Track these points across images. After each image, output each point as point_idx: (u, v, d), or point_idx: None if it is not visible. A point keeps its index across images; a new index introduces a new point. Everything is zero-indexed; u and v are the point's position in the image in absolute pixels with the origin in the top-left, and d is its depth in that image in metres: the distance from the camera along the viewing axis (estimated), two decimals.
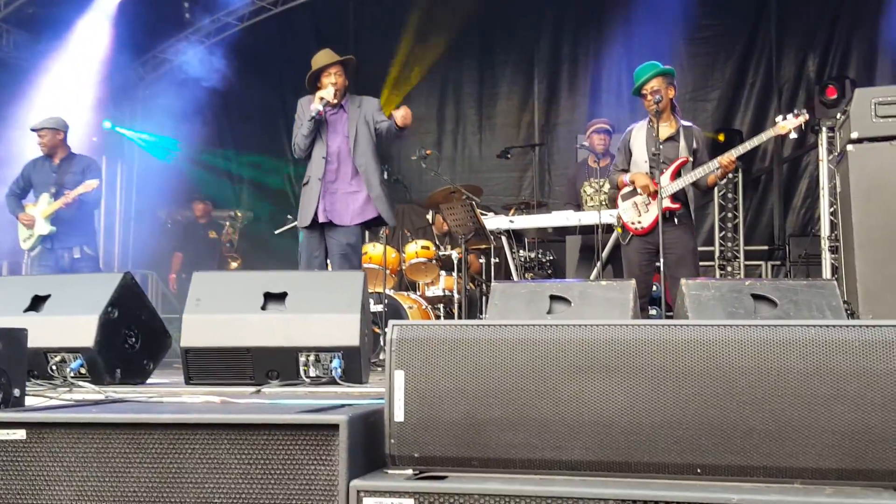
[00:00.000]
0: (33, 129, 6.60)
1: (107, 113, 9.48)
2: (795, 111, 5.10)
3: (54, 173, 6.57)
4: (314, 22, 10.40)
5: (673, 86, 5.32)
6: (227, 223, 9.70)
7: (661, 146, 5.12)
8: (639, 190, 5.27)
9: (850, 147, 4.94)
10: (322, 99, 5.20)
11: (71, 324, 3.52)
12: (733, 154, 5.06)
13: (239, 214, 10.02)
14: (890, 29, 8.85)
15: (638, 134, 5.39)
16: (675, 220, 5.21)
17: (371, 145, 5.40)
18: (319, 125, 5.33)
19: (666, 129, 5.28)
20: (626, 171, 5.44)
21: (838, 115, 5.69)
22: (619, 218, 5.47)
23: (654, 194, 5.12)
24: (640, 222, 5.30)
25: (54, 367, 3.50)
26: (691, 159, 5.26)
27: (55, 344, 3.49)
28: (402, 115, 5.24)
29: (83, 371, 3.49)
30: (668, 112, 5.30)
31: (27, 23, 8.50)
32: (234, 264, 9.46)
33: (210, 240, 9.56)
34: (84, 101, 8.95)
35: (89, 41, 8.77)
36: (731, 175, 9.11)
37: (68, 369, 3.47)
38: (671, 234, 5.16)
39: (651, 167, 5.19)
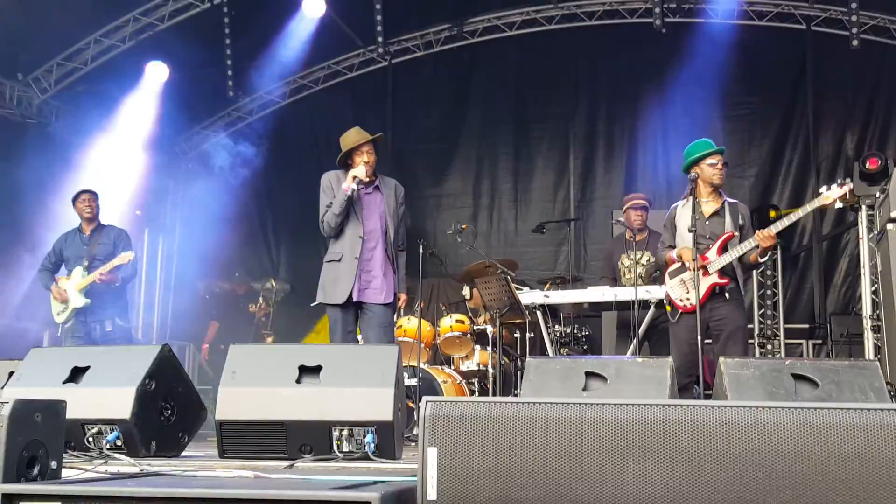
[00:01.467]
0: (80, 193, 6.75)
1: (150, 184, 9.69)
2: (840, 181, 5.04)
3: (86, 245, 6.65)
4: (352, 97, 10.65)
5: (724, 164, 5.37)
6: (261, 296, 9.75)
7: (707, 222, 5.20)
8: (686, 265, 5.23)
9: (890, 226, 4.89)
10: (355, 178, 5.26)
11: (109, 395, 3.56)
12: (772, 230, 5.04)
13: (275, 285, 10.06)
14: None
15: (683, 211, 5.38)
16: (726, 294, 5.18)
17: (396, 233, 5.54)
18: (351, 202, 5.38)
19: (710, 206, 5.32)
20: (673, 247, 5.45)
21: (877, 194, 5.64)
22: (667, 296, 5.46)
23: (703, 270, 5.11)
24: (688, 299, 5.23)
25: (91, 439, 3.53)
26: (737, 234, 5.25)
27: (92, 415, 3.52)
28: (403, 302, 5.61)
29: (119, 443, 3.50)
30: (715, 189, 5.34)
31: (76, 100, 8.81)
32: (268, 339, 9.48)
33: (247, 313, 9.63)
34: (130, 175, 9.20)
35: (136, 117, 9.04)
36: (769, 253, 9.05)
37: (104, 441, 3.49)
38: (722, 309, 5.15)
39: (697, 244, 5.12)
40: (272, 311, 9.81)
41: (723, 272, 5.17)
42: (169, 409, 3.76)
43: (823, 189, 5.07)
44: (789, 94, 9.58)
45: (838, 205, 5.13)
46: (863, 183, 7.99)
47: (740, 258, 5.18)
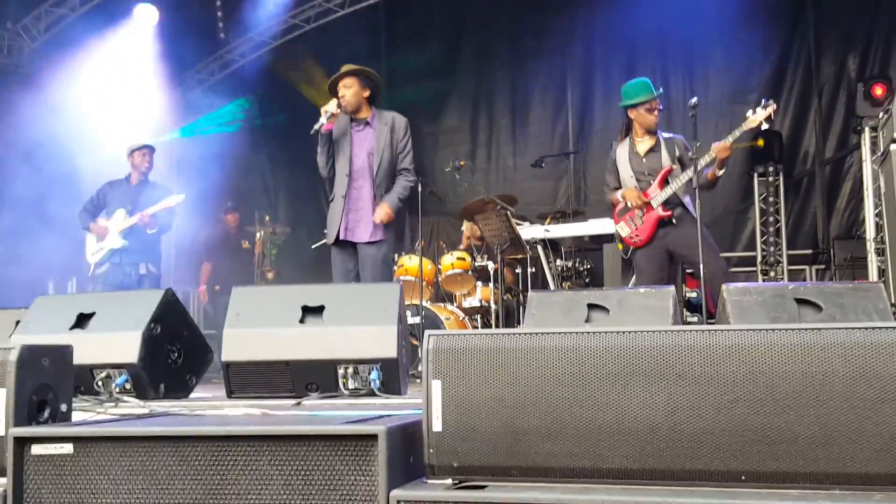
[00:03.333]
0: (140, 147, 6.77)
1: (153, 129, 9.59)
2: (764, 101, 5.26)
3: (132, 193, 6.74)
4: (345, 35, 10.49)
5: (660, 105, 5.58)
6: (259, 234, 9.58)
7: (644, 160, 5.48)
8: (630, 205, 5.49)
9: (893, 147, 4.85)
10: (325, 112, 5.17)
11: (115, 340, 3.58)
12: (727, 140, 5.19)
13: (277, 231, 10.01)
14: None
15: (621, 152, 5.63)
16: (673, 221, 5.42)
17: (391, 169, 5.39)
18: (342, 140, 5.32)
19: (646, 144, 5.55)
20: (618, 188, 5.67)
21: (881, 115, 5.59)
22: (617, 234, 5.67)
23: (647, 206, 5.39)
24: (637, 235, 5.50)
25: (100, 383, 3.56)
26: (676, 167, 5.44)
27: (100, 360, 3.55)
28: (380, 216, 5.25)
29: (128, 386, 3.55)
30: (652, 128, 5.56)
31: (66, 47, 8.67)
32: (269, 275, 9.40)
33: (244, 251, 9.46)
34: (135, 120, 9.10)
35: (128, 60, 8.91)
36: (771, 178, 9.02)
37: (114, 385, 3.53)
38: (672, 233, 5.39)
39: (638, 181, 5.48)
40: (272, 253, 9.74)
41: (666, 204, 5.41)
42: (175, 353, 3.79)
43: (749, 112, 5.28)
44: (790, 19, 9.42)
45: (765, 126, 5.29)
46: (866, 103, 7.94)
47: (693, 182, 5.28)
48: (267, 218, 9.69)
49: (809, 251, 9.22)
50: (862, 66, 9.14)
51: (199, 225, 9.67)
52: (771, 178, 9.10)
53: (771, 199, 9.05)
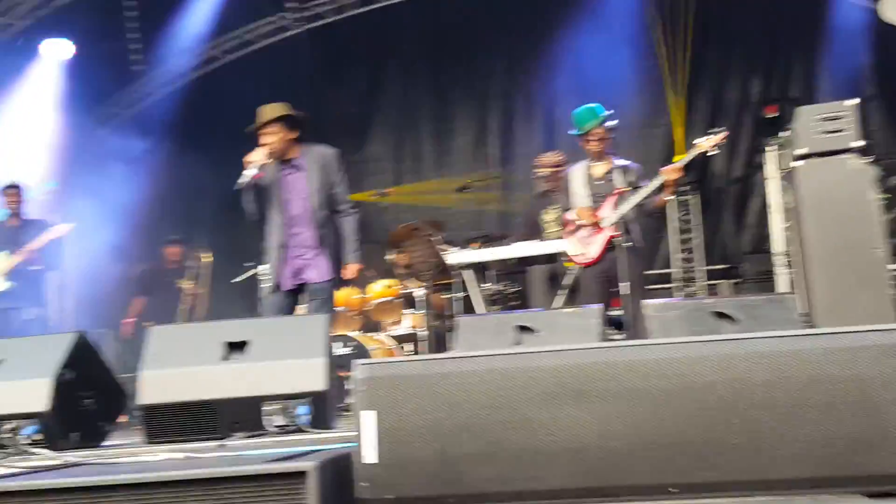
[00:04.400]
0: (6, 187, 6.55)
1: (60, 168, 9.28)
2: (714, 129, 5.51)
3: (12, 234, 6.55)
4: (266, 67, 10.39)
5: (611, 129, 5.68)
6: (190, 276, 9.10)
7: (597, 182, 5.61)
8: (581, 223, 5.62)
9: (798, 163, 5.08)
10: (251, 164, 4.87)
11: (24, 388, 3.40)
12: (678, 164, 5.30)
13: (202, 258, 9.46)
14: (827, 49, 9.08)
15: (576, 174, 5.77)
16: (622, 244, 5.47)
17: (329, 206, 5.18)
18: (272, 186, 5.06)
19: (600, 168, 5.69)
20: (569, 209, 5.79)
21: (784, 134, 5.85)
22: (566, 254, 5.81)
23: (597, 227, 5.50)
24: (584, 255, 5.63)
25: (7, 435, 3.37)
26: (628, 189, 5.55)
27: (8, 410, 3.37)
28: (352, 274, 5.19)
29: (38, 437, 3.36)
30: (604, 153, 5.69)
31: None
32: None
33: (177, 290, 8.81)
34: (39, 157, 8.80)
35: (40, 97, 8.65)
36: (688, 197, 9.26)
37: (21, 436, 3.34)
38: (620, 260, 5.45)
39: (592, 202, 5.61)
40: (204, 293, 9.25)
41: (616, 226, 5.51)
42: (89, 398, 3.62)
43: (699, 140, 5.50)
44: (699, 43, 9.71)
45: (714, 151, 5.49)
46: (766, 126, 8.33)
47: (644, 206, 5.54)
48: (202, 260, 9.14)
49: (723, 266, 9.48)
50: (765, 90, 9.49)
51: (131, 260, 9.34)
52: (688, 197, 9.34)
53: (688, 216, 9.28)
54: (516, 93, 10.24)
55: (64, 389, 3.45)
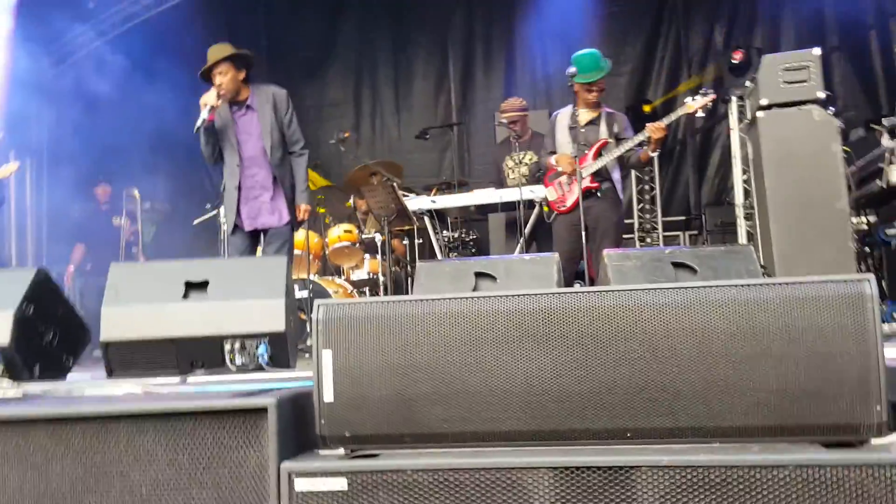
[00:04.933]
0: None
1: (15, 103, 9.02)
2: (703, 90, 5.44)
3: None
4: (222, 5, 10.14)
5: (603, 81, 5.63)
6: (124, 213, 8.83)
7: (582, 129, 5.55)
8: (560, 170, 5.59)
9: (759, 114, 5.06)
10: (205, 105, 4.94)
11: None
12: (662, 122, 5.31)
13: (137, 196, 9.32)
14: None
15: (562, 120, 5.72)
16: (598, 195, 5.53)
17: (283, 146, 5.26)
18: (225, 128, 5.12)
19: (588, 115, 5.64)
20: (554, 153, 5.75)
21: (747, 83, 5.85)
22: (545, 198, 5.81)
23: (574, 174, 5.41)
24: (562, 202, 5.63)
25: None
26: (611, 141, 5.55)
27: None
28: (303, 215, 5.32)
29: (0, 370, 3.35)
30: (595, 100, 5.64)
31: None
32: (140, 259, 8.71)
33: (114, 228, 8.78)
34: None
35: None
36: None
37: None
38: (596, 208, 5.51)
39: (572, 151, 5.52)
40: (147, 226, 9.17)
41: (595, 176, 5.52)
42: (50, 333, 3.61)
43: (688, 99, 5.44)
44: None
45: (700, 114, 5.45)
46: (731, 75, 8.32)
47: (628, 159, 5.55)
48: (136, 192, 9.06)
49: (683, 218, 9.60)
50: (727, 38, 9.52)
51: (70, 200, 9.17)
52: (660, 147, 9.39)
53: (646, 168, 9.35)
54: (476, 38, 10.15)
55: (25, 323, 3.44)
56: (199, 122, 4.96)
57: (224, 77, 5.05)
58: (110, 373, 3.40)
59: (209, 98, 4.95)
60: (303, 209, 5.33)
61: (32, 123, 9.58)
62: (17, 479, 2.08)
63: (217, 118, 5.13)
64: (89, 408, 2.08)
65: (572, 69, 5.40)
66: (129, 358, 3.38)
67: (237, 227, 5.19)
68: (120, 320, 3.40)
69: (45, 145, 9.76)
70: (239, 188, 5.14)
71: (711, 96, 5.39)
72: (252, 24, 10.25)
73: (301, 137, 5.41)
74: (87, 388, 2.97)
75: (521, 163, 6.89)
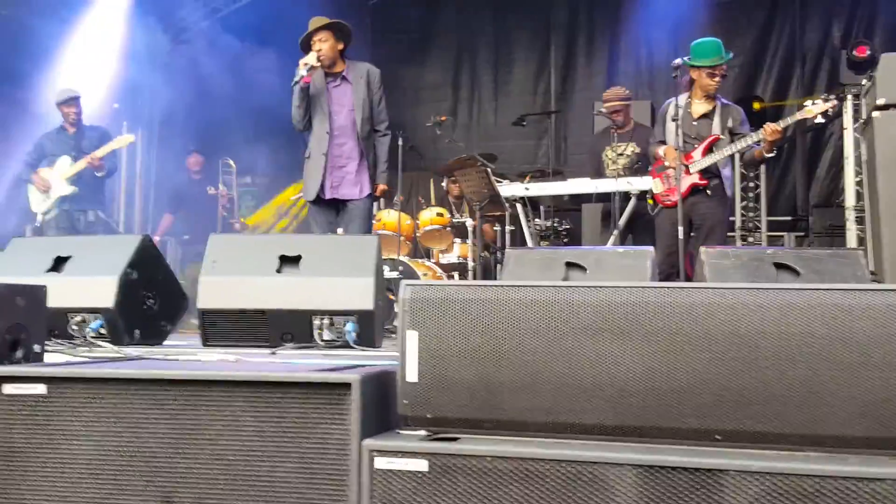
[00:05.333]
0: (67, 99, 6.68)
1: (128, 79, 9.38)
2: (825, 96, 5.17)
3: (73, 141, 6.69)
4: None
5: (721, 69, 5.42)
6: (221, 179, 8.99)
7: (694, 122, 5.35)
8: (667, 164, 5.42)
9: (876, 114, 4.84)
10: (305, 65, 5.10)
11: (91, 284, 3.53)
12: (780, 124, 5.12)
13: (233, 165, 9.46)
14: None
15: (673, 110, 5.47)
16: (707, 192, 5.35)
17: (370, 122, 5.39)
18: (319, 96, 5.25)
19: (702, 107, 5.43)
20: (664, 142, 5.57)
21: (864, 82, 5.58)
22: (650, 190, 5.65)
23: (686, 169, 5.26)
24: (669, 195, 5.43)
25: (74, 327, 3.51)
26: (723, 137, 5.34)
27: (76, 304, 3.50)
28: (380, 192, 5.45)
29: (102, 331, 3.51)
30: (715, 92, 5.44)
31: None
32: (236, 226, 8.98)
33: (209, 197, 8.89)
34: (108, 66, 8.90)
35: (112, 7, 8.72)
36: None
37: (88, 329, 3.49)
38: (702, 205, 5.35)
39: (684, 143, 5.30)
40: (236, 198, 9.34)
41: (705, 172, 5.31)
42: (151, 298, 3.75)
43: (808, 103, 5.18)
44: None
45: (820, 119, 5.20)
46: (850, 72, 7.94)
47: (741, 155, 5.32)
48: (233, 165, 9.27)
49: (788, 218, 9.27)
50: (846, 34, 9.12)
51: (160, 170, 9.47)
52: (776, 148, 9.10)
53: (757, 166, 9.05)
54: (580, 24, 10.01)
55: (128, 288, 3.58)
56: (296, 77, 5.12)
57: (324, 44, 5.21)
58: (205, 340, 3.51)
59: (309, 58, 5.12)
60: (380, 188, 5.47)
61: (146, 95, 9.93)
62: (114, 438, 2.16)
63: (312, 85, 5.27)
64: (184, 372, 2.15)
65: (677, 61, 5.27)
66: (223, 327, 3.48)
67: (319, 198, 5.28)
68: (217, 290, 3.50)
69: (155, 117, 10.10)
70: (326, 155, 5.23)
71: (833, 102, 5.13)
72: (358, 8, 10.37)
73: (387, 118, 5.53)
74: (183, 353, 3.07)
75: (621, 154, 6.77)
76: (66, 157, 6.58)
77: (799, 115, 5.21)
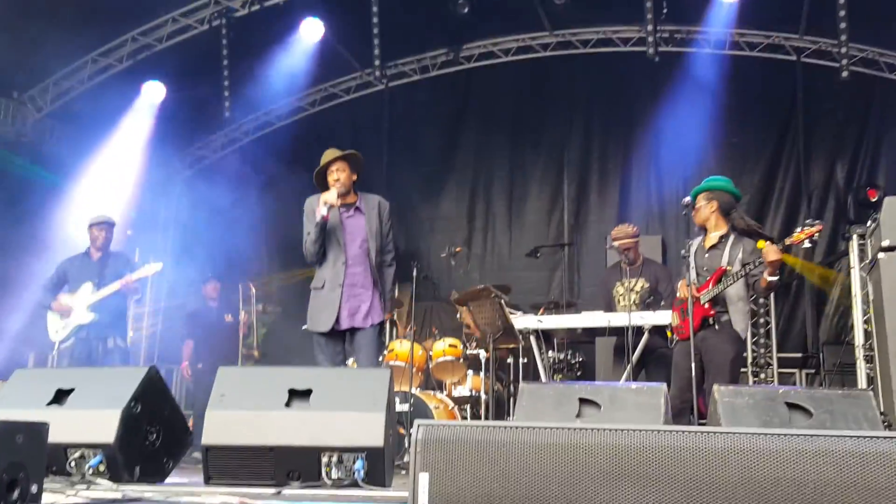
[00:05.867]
0: (100, 222, 6.79)
1: (145, 203, 9.62)
2: (809, 221, 5.22)
3: (97, 267, 6.71)
4: (348, 120, 10.68)
5: (715, 200, 5.48)
6: (244, 310, 8.95)
7: (706, 255, 5.42)
8: (678, 295, 5.48)
9: (881, 255, 4.90)
10: (326, 203, 5.17)
11: (93, 418, 3.48)
12: (778, 246, 5.12)
13: (268, 310, 9.72)
14: None
15: (692, 246, 5.60)
16: (716, 326, 5.30)
17: (381, 252, 5.45)
18: (333, 227, 5.32)
19: (713, 239, 5.49)
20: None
21: (868, 223, 5.66)
22: (670, 324, 5.69)
23: (697, 301, 5.29)
24: (682, 328, 5.43)
25: (73, 464, 3.44)
26: (730, 269, 5.35)
27: (76, 439, 3.44)
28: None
29: (102, 468, 3.42)
30: (717, 224, 5.49)
31: (71, 118, 8.81)
32: (255, 353, 8.94)
33: (226, 325, 8.85)
34: (123, 194, 9.15)
35: (131, 137, 9.04)
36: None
37: (87, 466, 3.40)
38: (711, 340, 5.28)
39: (697, 275, 5.40)
40: (258, 326, 9.39)
41: (714, 303, 5.31)
42: (154, 434, 3.68)
43: (798, 229, 5.21)
44: (781, 123, 9.64)
45: (806, 244, 5.24)
46: (860, 209, 8.09)
47: (753, 286, 5.31)
48: (253, 290, 9.35)
49: (799, 355, 9.19)
50: (850, 175, 9.33)
51: (182, 298, 9.53)
52: (779, 273, 9.14)
53: (761, 300, 9.06)
54: (591, 161, 10.27)
55: (131, 423, 3.52)
56: (318, 218, 5.17)
57: (342, 174, 5.30)
58: (208, 479, 3.43)
59: (329, 196, 5.18)
60: (385, 317, 5.51)
61: (159, 223, 10.15)
62: None
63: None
64: None
65: (687, 199, 5.38)
66: (227, 464, 3.41)
67: (333, 330, 5.26)
68: (223, 425, 3.46)
69: (169, 245, 10.29)
70: (342, 285, 5.27)
71: (818, 226, 5.20)
72: (374, 136, 10.72)
73: (393, 249, 5.59)
74: (184, 494, 3.00)
75: (631, 290, 6.80)
76: (89, 283, 6.62)
77: (787, 241, 5.26)
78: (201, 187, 10.06)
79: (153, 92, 8.99)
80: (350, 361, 5.64)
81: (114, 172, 8.98)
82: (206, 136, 10.59)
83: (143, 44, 8.79)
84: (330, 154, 5.39)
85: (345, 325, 5.25)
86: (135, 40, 8.76)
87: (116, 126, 8.91)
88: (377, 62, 9.19)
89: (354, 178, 5.41)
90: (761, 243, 5.15)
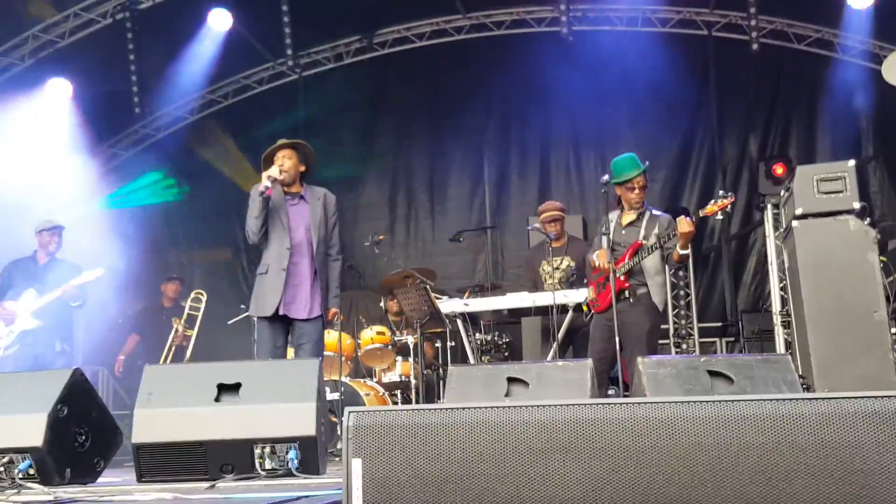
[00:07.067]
0: (45, 229, 6.59)
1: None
2: (722, 194, 5.38)
3: (40, 273, 6.56)
4: (263, 111, 10.51)
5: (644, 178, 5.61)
6: (180, 320, 8.71)
7: (623, 231, 5.53)
8: (597, 264, 5.52)
9: (795, 223, 5.06)
10: (269, 177, 5.15)
11: (19, 423, 3.41)
12: (690, 220, 5.25)
13: (202, 296, 9.36)
14: (826, 108, 9.23)
15: (608, 222, 5.68)
16: (631, 298, 5.41)
17: (324, 245, 5.42)
18: (277, 212, 5.29)
19: (629, 216, 5.62)
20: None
21: (782, 192, 5.86)
22: (587, 297, 5.79)
23: (605, 271, 5.39)
24: (598, 301, 5.56)
25: (1, 469, 3.36)
26: (646, 243, 5.47)
27: (2, 444, 3.37)
28: (328, 316, 5.45)
29: (32, 472, 3.35)
30: (642, 203, 5.60)
31: None
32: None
33: (169, 328, 8.67)
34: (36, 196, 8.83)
35: (39, 137, 8.72)
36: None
37: (16, 470, 3.34)
38: (628, 313, 5.38)
39: (613, 250, 5.49)
40: (190, 335, 9.14)
41: (630, 276, 5.44)
42: (83, 435, 3.62)
43: (711, 202, 5.37)
44: (695, 98, 9.83)
45: (719, 216, 5.46)
46: (768, 182, 8.36)
47: (667, 259, 5.45)
48: (202, 295, 9.03)
49: (719, 324, 9.48)
50: (762, 146, 9.62)
51: (129, 298, 9.27)
52: (689, 246, 9.39)
53: (681, 273, 9.30)
54: (510, 144, 10.35)
55: (59, 426, 3.46)
56: (261, 189, 5.13)
57: (288, 160, 5.29)
58: (140, 476, 3.38)
59: (272, 171, 5.17)
60: (332, 312, 5.47)
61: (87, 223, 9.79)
62: None
63: (271, 200, 5.27)
64: None
65: (605, 177, 5.48)
66: (159, 461, 3.38)
67: (276, 315, 5.20)
68: (152, 423, 3.41)
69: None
70: (284, 271, 5.21)
71: (730, 199, 5.34)
72: (290, 126, 10.55)
73: (339, 243, 5.58)
74: (117, 493, 2.96)
75: (557, 268, 6.91)
76: (32, 290, 6.43)
77: (701, 213, 5.41)
78: (114, 190, 9.80)
79: (59, 89, 8.68)
80: (290, 352, 5.57)
81: (25, 175, 8.64)
82: (118, 134, 10.29)
83: (45, 40, 8.49)
84: (279, 142, 5.39)
85: (282, 310, 5.20)
86: (36, 37, 8.47)
87: (23, 125, 8.56)
88: (289, 52, 9.07)
89: (302, 169, 5.40)
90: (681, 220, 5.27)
